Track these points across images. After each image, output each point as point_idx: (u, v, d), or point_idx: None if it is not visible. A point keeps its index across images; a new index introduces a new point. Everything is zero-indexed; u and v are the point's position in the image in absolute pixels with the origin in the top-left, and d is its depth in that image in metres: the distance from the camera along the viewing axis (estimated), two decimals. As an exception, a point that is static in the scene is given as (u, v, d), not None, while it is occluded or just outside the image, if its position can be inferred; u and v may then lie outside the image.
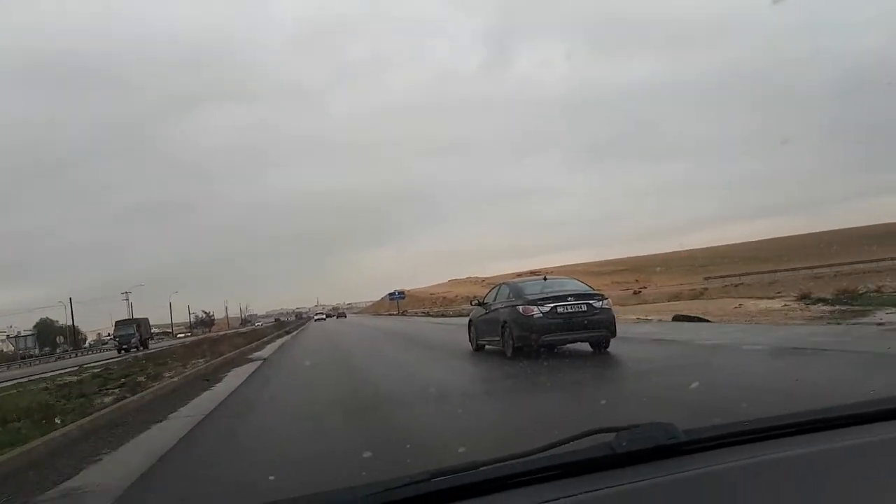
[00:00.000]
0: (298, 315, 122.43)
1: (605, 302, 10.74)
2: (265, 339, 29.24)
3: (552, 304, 10.25)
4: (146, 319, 59.22)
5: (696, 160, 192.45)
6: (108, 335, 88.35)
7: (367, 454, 4.38)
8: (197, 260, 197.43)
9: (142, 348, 46.99)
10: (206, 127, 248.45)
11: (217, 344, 23.20)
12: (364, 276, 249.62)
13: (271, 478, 4.22)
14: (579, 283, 11.79)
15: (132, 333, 50.70)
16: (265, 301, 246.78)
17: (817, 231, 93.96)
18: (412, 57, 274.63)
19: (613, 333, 10.63)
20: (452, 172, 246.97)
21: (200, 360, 16.23)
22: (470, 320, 13.68)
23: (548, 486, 1.23)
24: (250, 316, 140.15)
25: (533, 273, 53.77)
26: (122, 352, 45.77)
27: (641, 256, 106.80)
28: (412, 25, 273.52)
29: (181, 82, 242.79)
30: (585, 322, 10.23)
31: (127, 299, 78.72)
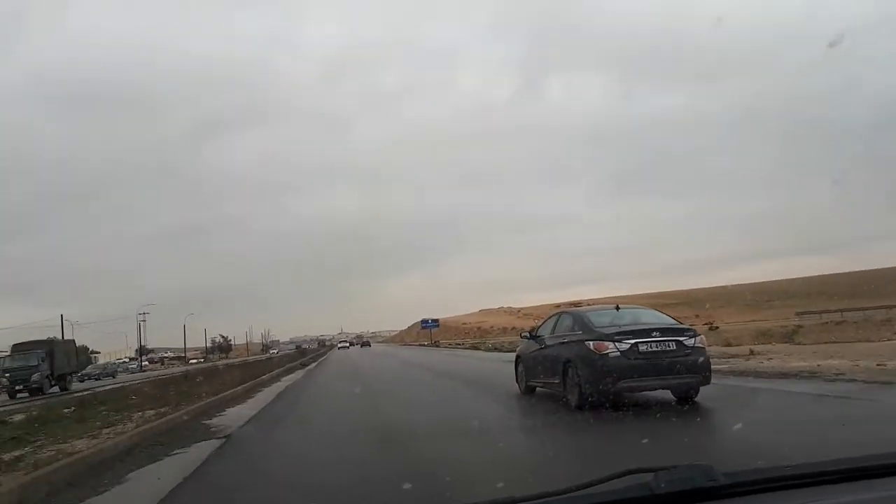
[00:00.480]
0: (321, 343, 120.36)
1: (698, 339, 8.52)
2: (264, 377, 21.16)
3: (633, 341, 8.01)
4: (69, 343, 38.98)
5: (730, 194, 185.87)
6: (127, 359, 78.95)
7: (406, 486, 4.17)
8: (220, 285, 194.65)
9: (55, 388, 31.87)
10: (232, 153, 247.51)
11: (206, 380, 17.81)
12: (388, 305, 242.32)
13: None
14: (660, 314, 9.52)
15: (34, 366, 30.77)
16: (288, 327, 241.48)
17: (859, 270, 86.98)
18: (441, 85, 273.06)
19: (708, 380, 8.44)
20: (480, 201, 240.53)
21: (136, 415, 10.09)
22: (518, 356, 11.48)
23: None
24: (272, 342, 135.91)
25: (573, 304, 50.87)
26: (20, 394, 29.56)
27: (691, 290, 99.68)
28: (442, 54, 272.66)
29: (209, 109, 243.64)
30: (674, 364, 8.03)
31: (143, 320, 70.96)
